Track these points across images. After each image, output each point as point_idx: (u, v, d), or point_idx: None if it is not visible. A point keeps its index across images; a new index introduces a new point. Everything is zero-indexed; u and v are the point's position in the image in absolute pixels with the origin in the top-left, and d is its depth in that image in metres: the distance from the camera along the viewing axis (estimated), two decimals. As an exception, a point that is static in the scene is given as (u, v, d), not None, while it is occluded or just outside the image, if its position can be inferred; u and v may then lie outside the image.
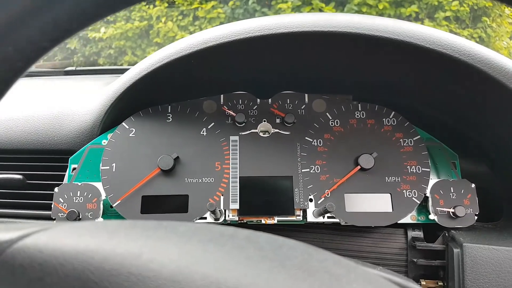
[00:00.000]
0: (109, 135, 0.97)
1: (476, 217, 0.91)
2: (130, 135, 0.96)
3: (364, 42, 0.81)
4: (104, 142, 0.97)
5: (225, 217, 0.91)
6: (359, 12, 4.28)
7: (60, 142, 1.03)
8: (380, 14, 4.23)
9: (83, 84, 1.47)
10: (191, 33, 4.49)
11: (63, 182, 0.98)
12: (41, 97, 1.23)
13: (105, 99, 0.97)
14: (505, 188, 1.01)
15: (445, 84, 0.93)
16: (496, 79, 0.79)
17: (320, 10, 4.29)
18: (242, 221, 0.92)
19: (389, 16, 4.35)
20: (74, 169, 0.97)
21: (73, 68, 1.84)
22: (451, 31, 4.38)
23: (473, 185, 0.93)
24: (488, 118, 0.94)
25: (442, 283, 0.88)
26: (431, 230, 0.97)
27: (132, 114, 0.98)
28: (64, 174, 1.00)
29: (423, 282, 0.89)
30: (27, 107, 1.13)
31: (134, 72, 0.91)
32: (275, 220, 0.91)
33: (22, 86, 1.39)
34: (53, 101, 1.13)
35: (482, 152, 1.04)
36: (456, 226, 0.90)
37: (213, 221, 0.91)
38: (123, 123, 0.97)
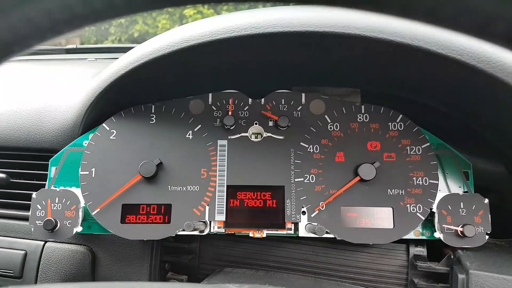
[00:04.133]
0: (91, 136, 0.91)
1: (487, 237, 0.82)
2: (111, 137, 0.89)
3: (379, 44, 0.71)
4: (86, 143, 0.91)
5: (210, 229, 0.85)
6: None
7: (42, 140, 0.98)
8: None
9: (78, 70, 1.40)
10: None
11: (46, 183, 0.94)
12: (27, 88, 1.17)
13: (84, 96, 0.90)
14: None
15: (463, 86, 0.81)
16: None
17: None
18: (229, 233, 0.86)
19: None
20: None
21: (74, 46, 1.78)
22: None
23: (486, 201, 0.83)
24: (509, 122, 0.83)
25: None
26: (436, 245, 0.89)
27: (115, 113, 0.91)
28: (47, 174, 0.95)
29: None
30: (11, 101, 1.07)
31: (112, 71, 0.83)
32: (264, 233, 0.85)
33: (12, 74, 1.33)
34: (38, 95, 1.07)
35: (501, 156, 0.93)
36: (464, 246, 0.82)
37: (198, 233, 0.85)
38: (104, 124, 0.90)
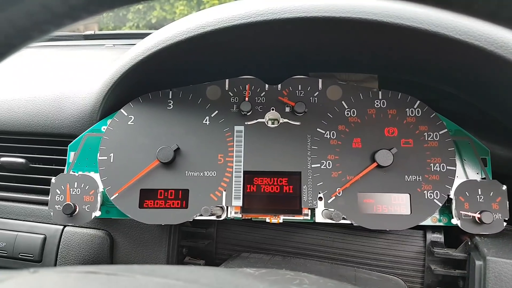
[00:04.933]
0: (109, 121, 0.91)
1: (505, 223, 0.81)
2: (129, 123, 0.90)
3: (396, 30, 0.70)
4: (104, 128, 0.92)
5: (227, 214, 0.86)
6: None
7: (61, 125, 0.99)
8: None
9: (97, 56, 1.41)
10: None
11: (65, 168, 0.95)
12: (47, 74, 1.18)
13: (103, 82, 0.90)
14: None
15: (481, 73, 0.80)
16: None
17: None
18: (246, 218, 0.87)
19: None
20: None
21: (92, 32, 1.79)
22: None
23: (504, 187, 0.82)
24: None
25: (461, 294, 0.81)
26: (454, 231, 0.88)
27: (133, 99, 0.91)
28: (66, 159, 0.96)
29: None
30: (31, 86, 1.09)
31: (130, 57, 0.83)
32: (280, 219, 0.85)
33: (31, 60, 1.34)
34: (57, 81, 1.09)
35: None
36: (481, 233, 0.81)
37: (215, 218, 0.85)
38: (122, 110, 0.90)
